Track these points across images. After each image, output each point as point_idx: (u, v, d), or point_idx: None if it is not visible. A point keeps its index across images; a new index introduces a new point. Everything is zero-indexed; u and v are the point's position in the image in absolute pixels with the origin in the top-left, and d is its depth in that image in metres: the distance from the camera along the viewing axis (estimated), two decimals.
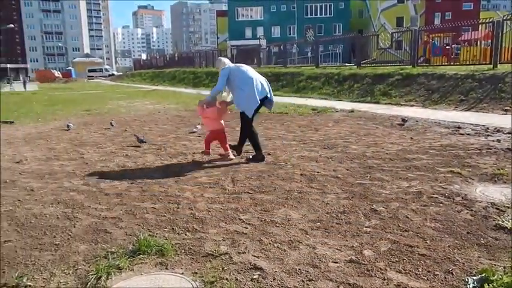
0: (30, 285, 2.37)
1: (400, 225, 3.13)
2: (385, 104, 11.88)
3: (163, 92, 22.86)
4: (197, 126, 8.08)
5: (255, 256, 2.69)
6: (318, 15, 54.31)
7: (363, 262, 2.56)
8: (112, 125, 8.86)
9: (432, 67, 14.29)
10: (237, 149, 5.61)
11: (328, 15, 53.95)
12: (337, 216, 3.34)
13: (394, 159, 5.16)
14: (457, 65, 14.09)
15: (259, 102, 5.18)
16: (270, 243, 2.87)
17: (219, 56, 6.18)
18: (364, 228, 3.09)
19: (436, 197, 3.72)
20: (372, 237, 2.92)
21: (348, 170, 4.74)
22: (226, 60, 5.51)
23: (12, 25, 76.68)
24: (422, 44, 17.79)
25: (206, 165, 5.19)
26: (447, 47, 19.48)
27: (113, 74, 65.72)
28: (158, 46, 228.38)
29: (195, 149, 6.25)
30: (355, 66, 17.27)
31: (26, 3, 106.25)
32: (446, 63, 15.46)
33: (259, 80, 5.30)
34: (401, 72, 13.37)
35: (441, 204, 3.54)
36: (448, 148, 5.77)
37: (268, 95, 5.37)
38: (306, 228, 3.12)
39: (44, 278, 2.46)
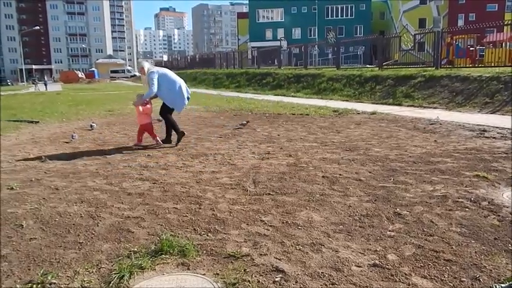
0: (54, 283, 2.40)
1: (425, 229, 3.05)
2: (408, 106, 11.67)
3: None
4: (74, 134, 7.73)
5: (277, 258, 2.66)
6: (339, 17, 53.97)
7: (387, 267, 2.50)
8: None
9: (456, 69, 13.97)
10: (168, 140, 6.81)
11: (349, 17, 53.54)
12: (360, 220, 3.28)
13: (418, 162, 5.05)
14: (481, 67, 13.74)
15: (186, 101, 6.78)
16: (292, 246, 2.84)
17: (141, 61, 7.08)
18: (388, 232, 3.02)
19: (462, 202, 3.61)
20: (396, 242, 2.86)
21: (370, 172, 4.66)
22: (148, 64, 6.74)
23: (38, 27, 78.97)
24: (445, 45, 17.41)
25: (227, 166, 5.19)
26: (471, 49, 19.02)
27: (134, 75, 66.75)
28: (179, 47, 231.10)
29: (216, 150, 6.26)
30: (377, 68, 17.05)
31: (51, 6, 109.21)
32: (470, 65, 15.11)
33: (181, 82, 6.73)
34: (424, 74, 13.12)
35: (467, 209, 3.44)
36: (473, 151, 5.61)
37: (189, 96, 6.92)
38: (328, 231, 3.08)
39: (68, 276, 2.49)
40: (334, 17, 54.14)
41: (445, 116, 9.27)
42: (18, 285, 2.39)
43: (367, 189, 4.06)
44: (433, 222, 3.19)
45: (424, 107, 11.17)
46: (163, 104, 6.69)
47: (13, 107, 15.76)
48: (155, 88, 6.37)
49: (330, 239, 2.94)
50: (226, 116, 10.96)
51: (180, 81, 6.70)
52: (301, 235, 3.02)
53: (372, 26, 51.72)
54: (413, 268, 2.48)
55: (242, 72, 26.49)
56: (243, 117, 10.52)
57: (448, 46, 18.90)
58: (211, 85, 28.26)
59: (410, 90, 12.62)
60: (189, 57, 53.45)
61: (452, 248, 2.73)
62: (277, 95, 18.50)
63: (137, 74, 76.59)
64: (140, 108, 6.58)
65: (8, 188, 4.34)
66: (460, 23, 43.44)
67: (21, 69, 73.83)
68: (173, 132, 6.81)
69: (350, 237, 2.97)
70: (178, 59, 56.07)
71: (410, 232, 3.01)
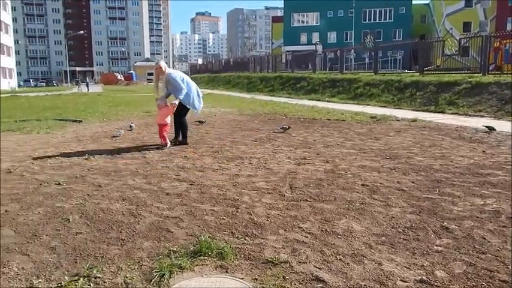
0: (99, 277, 2.46)
1: (476, 246, 2.88)
2: (451, 113, 11.23)
3: (218, 96, 23.34)
4: (120, 130, 8.60)
5: (316, 267, 2.60)
6: (377, 21, 52.92)
7: (436, 284, 2.38)
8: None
9: (505, 75, 13.32)
10: (184, 141, 6.99)
11: (387, 20, 52.40)
12: (404, 232, 3.15)
13: (465, 174, 4.81)
14: None
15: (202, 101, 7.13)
16: (332, 255, 2.77)
17: (163, 62, 6.98)
18: (435, 247, 2.88)
19: None
20: (445, 258, 2.72)
21: (413, 182, 4.49)
22: (165, 65, 6.84)
23: (82, 32, 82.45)
24: (493, 50, 16.65)
25: (263, 170, 5.17)
26: None
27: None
28: (214, 51, 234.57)
29: (251, 153, 6.25)
30: (418, 73, 16.55)
31: (95, 12, 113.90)
32: None
33: (195, 84, 7.06)
34: (470, 80, 12.59)
35: None
36: None
37: (203, 96, 7.29)
38: (370, 242, 2.98)
39: (111, 271, 2.54)
40: (372, 21, 53.14)
41: (494, 126, 8.83)
42: (66, 277, 2.46)
43: (411, 200, 3.91)
44: (485, 238, 3.01)
45: (470, 115, 10.70)
46: (181, 105, 6.82)
47: (58, 107, 16.49)
48: (185, 88, 6.67)
49: (372, 250, 2.84)
50: (261, 119, 10.95)
51: (193, 83, 7.04)
52: (341, 244, 2.94)
53: (412, 29, 50.31)
54: (464, 287, 2.35)
55: (276, 76, 26.48)
56: (278, 121, 10.48)
57: (497, 51, 18.07)
58: (244, 89, 28.43)
59: (454, 97, 12.14)
60: (223, 61, 54.09)
61: (508, 268, 2.56)
62: (312, 99, 18.36)
63: None
64: (168, 105, 6.78)
65: (55, 184, 4.52)
66: (510, 26, 41.33)
67: (65, 71, 77.29)
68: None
69: (394, 249, 2.86)
70: (213, 62, 56.80)
71: (459, 248, 2.85)
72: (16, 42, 71.26)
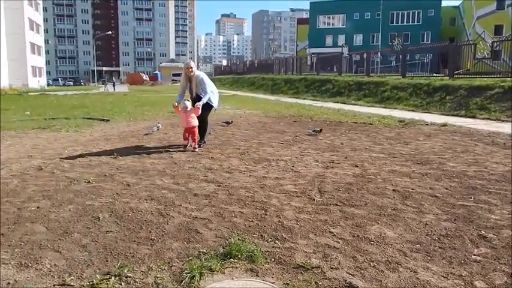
0: (130, 276, 2.46)
1: None
2: (483, 118, 10.86)
3: (242, 97, 23.39)
4: (158, 124, 9.14)
5: (349, 274, 2.52)
6: (405, 23, 51.92)
7: None
8: None
9: None
10: (203, 141, 7.07)
11: (415, 23, 51.33)
12: (439, 240, 3.04)
13: (502, 181, 4.62)
14: None
15: None
16: (365, 262, 2.69)
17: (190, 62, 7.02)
18: (473, 256, 2.76)
19: None
20: (484, 268, 2.60)
21: (447, 189, 4.34)
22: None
23: (110, 32, 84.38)
24: None
25: (291, 173, 5.11)
26: None
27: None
28: (238, 53, 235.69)
29: (278, 155, 6.20)
30: (447, 77, 16.11)
31: (122, 13, 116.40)
32: None
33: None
34: (502, 85, 12.15)
35: None
36: None
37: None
38: (404, 249, 2.88)
39: (142, 271, 2.54)
40: (400, 23, 52.18)
41: None
42: (98, 275, 2.48)
43: (445, 207, 3.78)
44: None
45: (502, 121, 10.32)
46: (204, 106, 6.74)
47: (86, 106, 16.89)
48: (212, 90, 6.91)
49: (407, 258, 2.75)
50: (286, 122, 10.88)
51: (212, 83, 7.21)
52: (374, 251, 2.85)
53: (441, 32, 49.13)
54: None
55: (301, 79, 26.33)
56: (303, 123, 10.39)
57: None
58: (269, 90, 28.40)
59: (486, 102, 11.75)
60: (247, 62, 54.25)
61: None
62: (337, 102, 18.15)
63: None
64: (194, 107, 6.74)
65: (85, 181, 4.59)
66: None
67: (93, 71, 79.22)
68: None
69: (429, 258, 2.75)
70: (237, 63, 57.06)
71: (499, 258, 2.72)
72: (46, 42, 73.60)
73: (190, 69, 6.67)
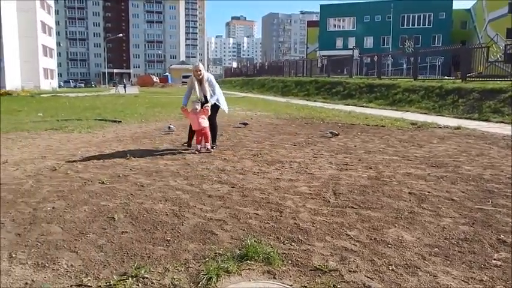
0: (147, 278, 2.45)
1: None
2: (497, 122, 10.71)
3: (253, 99, 23.41)
4: (171, 126, 9.25)
5: (368, 277, 2.49)
6: (416, 26, 51.46)
7: None
8: None
9: None
10: (214, 144, 6.98)
11: (426, 26, 50.89)
12: (458, 244, 2.99)
13: None
14: None
15: None
16: (383, 265, 2.65)
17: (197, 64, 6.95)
18: (493, 261, 2.71)
19: None
20: (505, 273, 2.54)
21: (463, 192, 4.27)
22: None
23: (121, 34, 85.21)
24: None
25: (304, 175, 5.08)
26: None
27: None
28: (248, 55, 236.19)
29: (291, 157, 6.18)
30: (460, 80, 15.93)
31: (133, 15, 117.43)
32: None
33: None
34: None
35: None
36: None
37: None
38: (422, 252, 2.84)
39: (158, 272, 2.53)
40: (411, 26, 51.75)
41: None
42: (115, 276, 2.47)
43: (462, 210, 3.72)
44: None
45: None
46: (215, 106, 6.84)
47: (98, 107, 17.03)
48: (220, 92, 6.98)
49: (426, 262, 2.70)
50: (298, 124, 10.85)
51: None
52: (392, 254, 2.81)
53: (452, 35, 48.63)
54: None
55: (311, 81, 26.26)
56: (315, 125, 10.35)
57: None
58: (279, 92, 28.37)
59: (499, 105, 11.59)
60: (257, 65, 54.30)
61: None
62: (348, 104, 18.06)
63: None
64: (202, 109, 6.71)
65: (99, 182, 4.62)
66: None
67: (103, 73, 79.99)
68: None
69: (449, 262, 2.70)
70: (247, 66, 57.14)
71: None
72: (58, 44, 74.40)
73: (199, 72, 6.65)
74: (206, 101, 6.67)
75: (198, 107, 6.63)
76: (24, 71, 45.61)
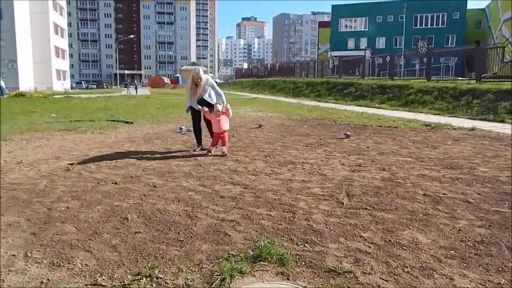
0: (161, 278, 2.46)
1: None
2: None
3: (264, 100, 23.39)
4: (182, 127, 9.32)
5: (383, 279, 2.46)
6: (429, 26, 50.86)
7: None
8: None
9: None
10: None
11: (440, 26, 50.26)
12: (475, 246, 2.94)
13: None
14: None
15: None
16: (398, 267, 2.62)
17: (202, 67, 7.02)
18: (511, 264, 2.65)
19: None
20: None
21: (479, 194, 4.20)
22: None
23: (132, 36, 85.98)
24: None
25: (317, 176, 5.05)
26: None
27: (215, 82, 69.43)
28: (259, 56, 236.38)
29: (303, 158, 6.15)
30: (474, 81, 15.70)
31: (144, 17, 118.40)
32: None
33: None
34: None
35: None
36: None
37: None
38: (437, 255, 2.79)
39: (172, 272, 2.53)
40: (424, 26, 51.17)
41: None
42: (129, 276, 2.49)
43: (478, 212, 3.65)
44: None
45: None
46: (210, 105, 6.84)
47: (110, 108, 17.20)
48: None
49: (442, 264, 2.66)
50: (309, 125, 10.80)
51: None
52: (407, 256, 2.77)
53: (466, 35, 47.98)
54: None
55: (323, 82, 26.16)
56: (327, 127, 10.30)
57: None
58: (290, 93, 28.31)
59: None
60: (268, 66, 54.29)
61: None
62: (360, 105, 17.94)
63: (217, 80, 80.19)
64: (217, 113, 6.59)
65: (112, 183, 4.65)
66: None
67: (115, 74, 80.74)
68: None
69: (465, 264, 2.66)
70: (258, 67, 57.18)
71: None
72: (70, 45, 75.35)
73: (200, 80, 6.62)
74: (206, 102, 6.71)
75: (220, 108, 6.55)
76: (37, 72, 46.30)
